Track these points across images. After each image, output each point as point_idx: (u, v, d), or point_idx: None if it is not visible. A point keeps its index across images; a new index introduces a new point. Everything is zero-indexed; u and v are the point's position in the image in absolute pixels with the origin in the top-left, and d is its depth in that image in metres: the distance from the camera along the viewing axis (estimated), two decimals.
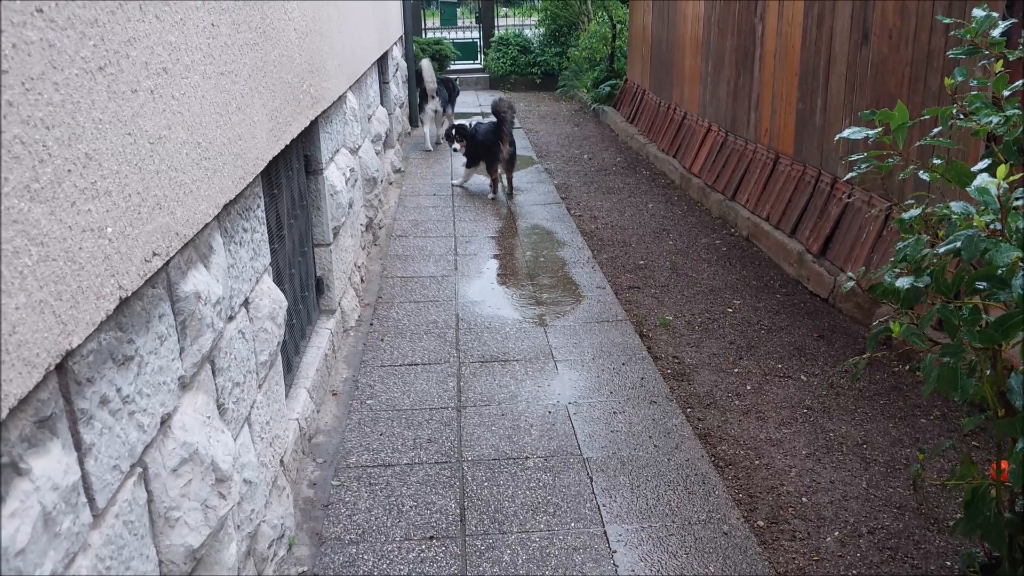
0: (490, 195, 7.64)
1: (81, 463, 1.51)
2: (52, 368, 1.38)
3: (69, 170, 1.43)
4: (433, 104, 9.59)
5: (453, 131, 7.93)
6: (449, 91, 10.05)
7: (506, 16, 19.42)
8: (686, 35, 8.45)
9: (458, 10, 22.19)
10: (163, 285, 1.92)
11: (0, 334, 1.22)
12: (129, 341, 1.71)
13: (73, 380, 1.49)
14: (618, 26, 12.41)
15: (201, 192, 2.09)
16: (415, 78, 9.83)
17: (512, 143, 7.55)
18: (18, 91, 1.27)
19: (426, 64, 9.53)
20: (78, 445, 1.51)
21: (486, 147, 7.59)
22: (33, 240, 1.31)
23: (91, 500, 1.55)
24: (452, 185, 8.03)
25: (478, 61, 15.83)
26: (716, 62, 7.55)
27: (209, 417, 2.12)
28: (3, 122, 1.24)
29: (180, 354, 2.00)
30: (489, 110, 7.96)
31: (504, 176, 7.69)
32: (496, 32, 16.03)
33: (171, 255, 1.88)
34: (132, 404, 1.72)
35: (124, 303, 1.68)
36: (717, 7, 7.48)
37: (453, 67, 15.08)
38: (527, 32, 16.21)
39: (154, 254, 1.77)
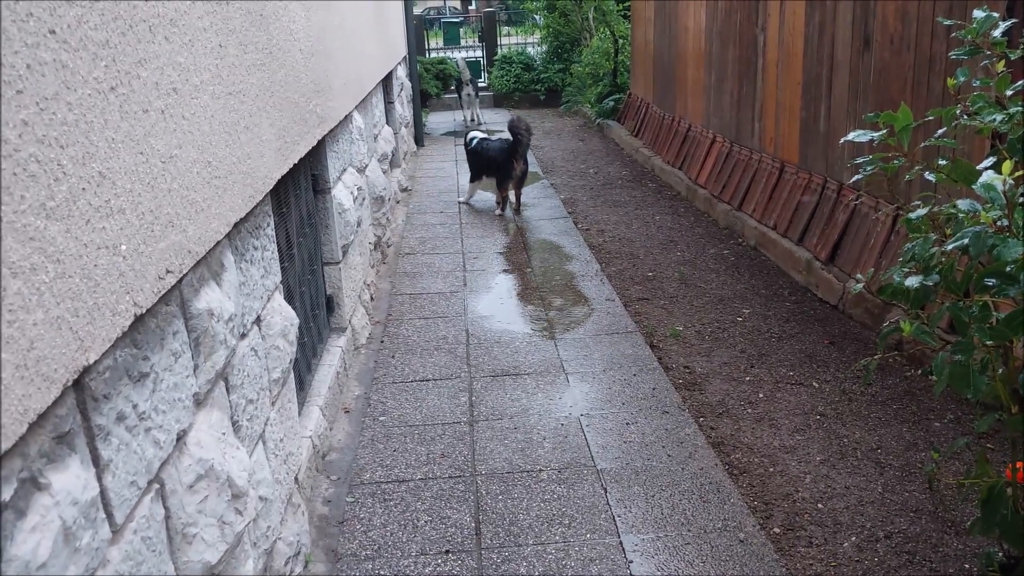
0: (497, 211, 7.68)
1: (99, 479, 1.52)
2: (70, 384, 1.39)
3: (84, 188, 1.45)
4: (467, 90, 12.85)
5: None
6: (474, 87, 13.27)
7: (508, 35, 19.52)
8: (688, 48, 8.50)
9: (461, 30, 22.33)
10: (176, 302, 1.94)
11: (20, 349, 1.24)
12: (144, 358, 1.73)
13: (90, 396, 1.51)
14: (620, 41, 12.47)
15: (212, 210, 2.11)
16: (455, 79, 13.24)
17: (525, 162, 7.59)
18: (33, 111, 1.30)
19: (462, 61, 13.08)
20: (96, 461, 1.52)
21: (496, 164, 7.59)
22: (50, 257, 1.33)
23: (110, 516, 1.56)
24: (459, 203, 8.07)
25: (482, 79, 15.91)
26: (719, 73, 7.59)
27: (224, 434, 2.13)
28: (20, 141, 1.26)
29: (194, 371, 2.01)
30: (495, 128, 8.03)
31: (512, 192, 7.72)
32: (499, 50, 16.13)
33: (184, 272, 1.90)
34: (148, 420, 1.73)
35: (139, 320, 1.70)
36: (718, 19, 7.52)
37: None
38: (530, 50, 16.29)
39: (167, 271, 1.79)
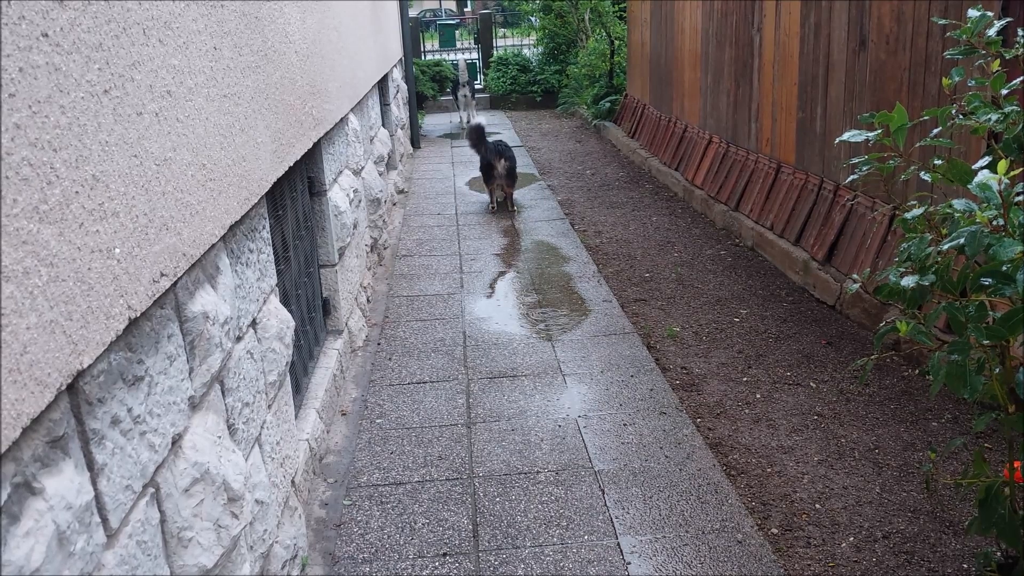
0: (491, 208, 7.85)
1: (94, 483, 1.52)
2: (63, 388, 1.39)
3: (77, 192, 1.45)
4: (463, 91, 12.98)
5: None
6: (470, 89, 13.48)
7: (504, 36, 19.55)
8: (684, 49, 8.50)
9: (457, 32, 22.35)
10: (171, 305, 1.93)
11: (13, 353, 1.23)
12: (139, 361, 1.73)
13: (84, 400, 1.50)
14: (616, 42, 12.48)
15: (207, 213, 2.10)
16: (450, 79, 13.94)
17: (508, 159, 7.73)
18: (26, 114, 1.29)
19: (462, 63, 13.06)
20: (90, 465, 1.52)
21: (484, 164, 7.87)
22: (43, 261, 1.33)
23: (104, 520, 1.55)
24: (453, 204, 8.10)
25: (478, 81, 15.91)
26: (715, 74, 7.59)
27: (220, 437, 2.12)
28: (12, 144, 1.26)
29: (189, 374, 2.01)
30: (491, 131, 8.23)
31: (504, 192, 7.87)
32: (495, 52, 16.13)
33: (179, 276, 1.89)
34: (143, 424, 1.73)
35: (133, 323, 1.70)
36: (714, 20, 7.53)
37: None
38: (526, 51, 16.29)
39: (162, 275, 1.79)
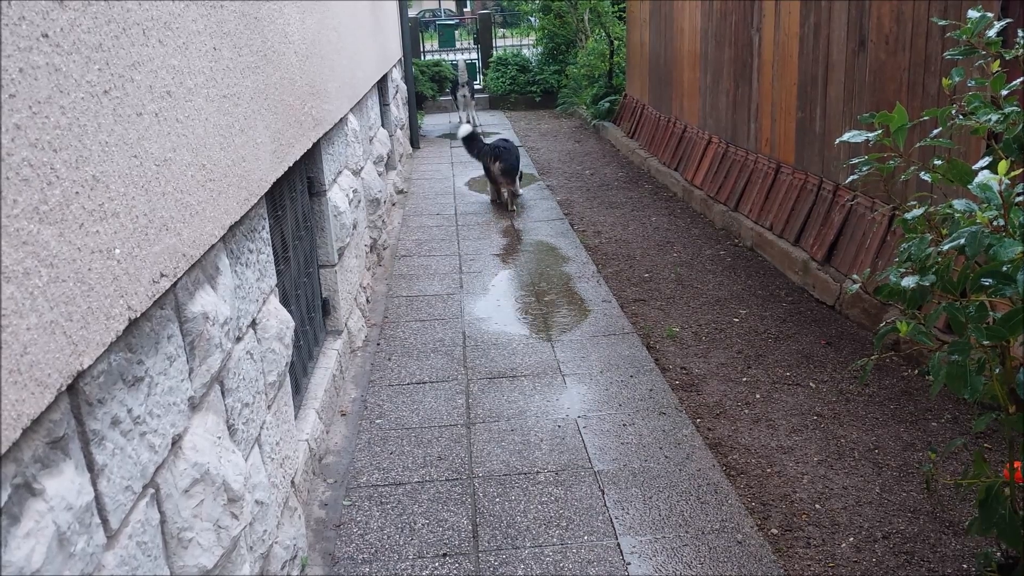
0: (493, 200, 8.13)
1: (94, 484, 1.52)
2: (64, 389, 1.39)
3: (77, 192, 1.44)
4: (462, 91, 12.96)
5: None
6: (470, 89, 13.58)
7: (504, 36, 19.53)
8: (683, 49, 8.50)
9: (456, 32, 22.34)
10: (171, 306, 1.93)
11: (13, 354, 1.23)
12: (139, 362, 1.72)
13: (84, 401, 1.50)
14: (615, 42, 12.48)
15: (207, 213, 2.10)
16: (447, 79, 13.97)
17: (503, 160, 7.86)
18: (26, 115, 1.29)
19: (461, 63, 13.03)
20: (91, 466, 1.51)
21: (484, 166, 8.12)
22: (43, 261, 1.33)
23: (104, 521, 1.55)
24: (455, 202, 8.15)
25: (478, 81, 15.90)
26: (715, 75, 7.59)
27: (219, 438, 2.12)
28: (13, 145, 1.26)
29: (189, 375, 2.01)
30: (487, 130, 8.48)
31: (506, 189, 7.97)
32: (495, 52, 16.13)
33: (179, 276, 1.89)
34: (143, 425, 1.72)
35: (133, 324, 1.69)
36: (713, 20, 7.53)
37: None
38: (525, 51, 16.29)
39: (162, 275, 1.79)
